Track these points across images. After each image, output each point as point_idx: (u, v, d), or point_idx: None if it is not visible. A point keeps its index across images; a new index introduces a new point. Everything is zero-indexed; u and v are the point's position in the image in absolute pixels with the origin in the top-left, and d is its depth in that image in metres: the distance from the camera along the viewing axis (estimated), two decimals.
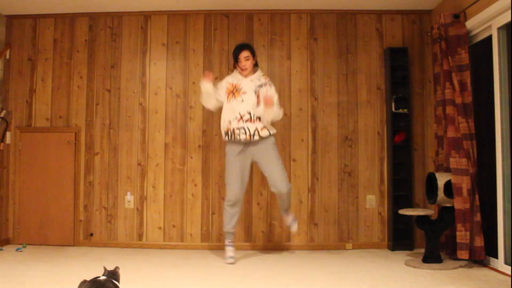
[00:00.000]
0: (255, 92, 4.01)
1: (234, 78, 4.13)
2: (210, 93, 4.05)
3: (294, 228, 4.28)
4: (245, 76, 4.09)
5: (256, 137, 3.97)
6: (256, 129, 3.96)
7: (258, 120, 3.98)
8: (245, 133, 3.96)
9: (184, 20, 4.91)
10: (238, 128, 3.97)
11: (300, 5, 4.77)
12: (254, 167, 4.34)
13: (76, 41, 4.95)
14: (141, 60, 4.91)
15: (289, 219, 4.28)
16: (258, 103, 3.99)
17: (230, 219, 4.14)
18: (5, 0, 4.60)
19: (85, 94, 4.91)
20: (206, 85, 4.03)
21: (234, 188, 4.06)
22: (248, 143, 4.02)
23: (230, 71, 4.82)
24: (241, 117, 3.97)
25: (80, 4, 4.72)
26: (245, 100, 3.99)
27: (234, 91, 4.04)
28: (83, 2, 4.65)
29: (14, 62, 4.96)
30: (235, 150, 4.05)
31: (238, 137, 3.97)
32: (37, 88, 4.94)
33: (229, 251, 4.12)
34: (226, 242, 4.17)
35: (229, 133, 4.01)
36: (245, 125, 3.96)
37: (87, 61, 4.93)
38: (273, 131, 4.08)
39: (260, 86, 4.05)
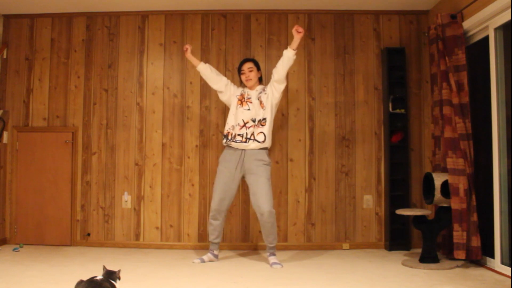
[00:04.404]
0: (258, 99, 4.08)
1: (245, 89, 4.21)
2: (203, 71, 4.20)
3: (277, 267, 3.89)
4: (251, 88, 4.16)
5: (251, 141, 3.99)
6: (253, 133, 4.01)
7: (259, 125, 4.02)
8: (242, 136, 4.01)
9: (182, 20, 4.91)
10: (238, 135, 4.03)
11: (297, 5, 4.77)
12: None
13: (74, 40, 4.94)
14: (138, 60, 4.91)
15: (271, 259, 4.00)
16: (262, 107, 4.05)
17: (213, 231, 4.11)
18: (2, 0, 4.59)
19: (82, 94, 4.90)
20: (193, 61, 4.22)
21: (218, 198, 4.05)
22: (243, 153, 4.02)
23: (227, 71, 4.84)
24: (244, 124, 4.05)
25: (78, 4, 4.71)
26: (251, 109, 4.07)
27: (242, 100, 4.12)
28: (80, 1, 4.65)
29: (11, 62, 4.95)
30: (228, 159, 4.07)
31: (235, 139, 4.02)
32: (34, 87, 4.93)
33: (205, 255, 4.12)
34: (209, 248, 4.17)
35: (229, 137, 4.07)
36: (244, 131, 4.02)
37: (84, 60, 4.93)
38: (268, 143, 4.05)
39: (260, 93, 4.12)
